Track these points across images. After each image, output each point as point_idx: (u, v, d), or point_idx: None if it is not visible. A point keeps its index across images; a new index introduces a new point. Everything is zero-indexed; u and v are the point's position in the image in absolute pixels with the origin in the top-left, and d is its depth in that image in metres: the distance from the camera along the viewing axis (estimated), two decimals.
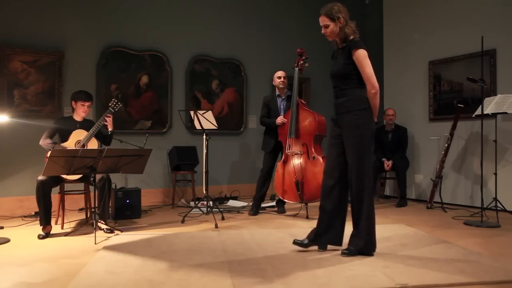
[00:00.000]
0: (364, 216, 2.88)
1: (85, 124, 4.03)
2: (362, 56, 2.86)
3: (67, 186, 4.08)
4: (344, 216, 3.01)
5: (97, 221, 3.64)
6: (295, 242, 2.99)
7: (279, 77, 4.67)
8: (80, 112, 4.01)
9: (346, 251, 2.89)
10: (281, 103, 4.73)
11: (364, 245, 2.89)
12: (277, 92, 4.75)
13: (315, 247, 3.00)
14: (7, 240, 3.45)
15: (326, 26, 2.90)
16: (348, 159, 2.91)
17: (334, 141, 3.01)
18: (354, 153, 2.88)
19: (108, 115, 3.98)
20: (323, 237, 2.98)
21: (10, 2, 4.76)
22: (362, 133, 2.86)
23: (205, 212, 4.60)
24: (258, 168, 5.00)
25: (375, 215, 2.95)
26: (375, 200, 5.57)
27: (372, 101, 2.87)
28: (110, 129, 4.04)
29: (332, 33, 2.91)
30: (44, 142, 3.86)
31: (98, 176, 3.69)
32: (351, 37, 2.90)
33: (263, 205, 5.00)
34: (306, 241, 2.99)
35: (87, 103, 4.00)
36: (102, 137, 4.09)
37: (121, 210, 4.42)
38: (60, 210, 4.03)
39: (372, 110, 2.88)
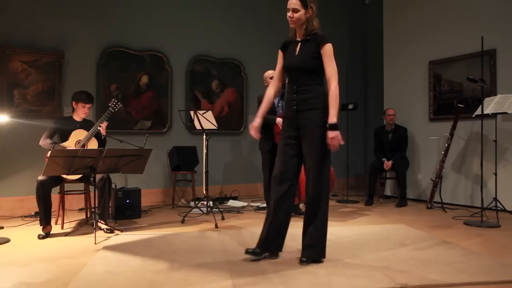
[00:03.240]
0: (320, 224, 2.79)
1: (85, 124, 4.03)
2: (331, 51, 2.71)
3: (67, 186, 4.08)
4: (289, 221, 2.92)
5: (97, 221, 3.64)
6: (248, 252, 2.85)
7: (272, 78, 4.62)
8: (80, 113, 4.00)
9: (304, 260, 2.77)
10: (278, 102, 4.69)
11: (317, 254, 2.80)
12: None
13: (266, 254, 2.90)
14: (7, 240, 3.45)
15: (295, 11, 2.70)
16: (308, 160, 2.76)
17: (289, 141, 2.80)
18: (317, 154, 2.73)
19: (103, 121, 3.94)
20: (273, 243, 2.88)
21: (10, 2, 4.76)
22: (324, 133, 2.67)
23: (205, 212, 4.60)
24: (258, 168, 4.99)
25: (327, 221, 2.84)
26: (375, 200, 5.66)
27: (337, 99, 2.67)
28: (103, 133, 4.01)
29: (298, 19, 2.71)
30: (44, 142, 3.86)
31: (98, 176, 3.69)
32: (316, 31, 2.76)
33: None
34: (258, 250, 2.85)
35: (87, 105, 4.00)
36: (99, 139, 4.07)
37: (121, 210, 4.42)
38: (60, 210, 4.03)
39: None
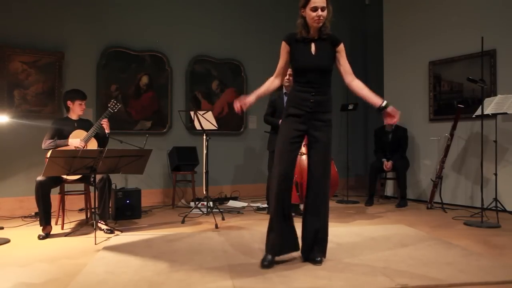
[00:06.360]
0: (327, 221, 2.82)
1: (83, 124, 4.03)
2: (344, 49, 2.80)
3: (67, 187, 4.08)
4: None
5: (97, 222, 3.65)
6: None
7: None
8: (78, 111, 4.01)
9: (319, 260, 2.78)
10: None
11: (324, 251, 2.82)
12: (284, 90, 4.59)
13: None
14: (7, 241, 3.45)
15: (323, 9, 2.63)
16: (319, 159, 2.77)
17: (295, 140, 2.76)
18: (326, 155, 2.77)
19: (104, 118, 3.96)
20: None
21: (10, 2, 4.76)
22: (331, 135, 2.83)
23: (205, 212, 4.60)
24: (259, 168, 4.99)
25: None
26: (375, 200, 5.66)
27: (367, 88, 2.81)
28: (107, 131, 4.01)
29: (324, 18, 2.66)
30: (46, 144, 3.86)
31: (98, 177, 3.69)
32: (327, 31, 2.75)
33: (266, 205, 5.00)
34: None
35: (84, 101, 4.04)
36: (99, 138, 4.07)
37: (121, 210, 4.42)
38: (60, 210, 4.03)
39: None
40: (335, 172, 4.79)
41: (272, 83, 2.86)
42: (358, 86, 2.83)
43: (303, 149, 4.33)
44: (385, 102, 2.77)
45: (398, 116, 2.75)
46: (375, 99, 2.81)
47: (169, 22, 5.73)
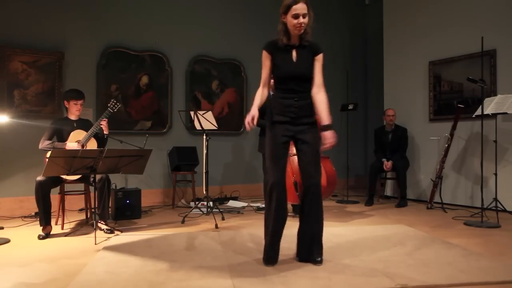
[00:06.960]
0: (321, 226, 2.83)
1: (82, 124, 4.02)
2: (322, 60, 2.77)
3: (67, 187, 4.08)
4: None
5: (97, 222, 3.65)
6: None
7: None
8: (74, 110, 4.01)
9: (320, 260, 2.80)
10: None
11: (320, 253, 2.83)
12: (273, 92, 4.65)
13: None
14: (7, 241, 3.45)
15: (305, 16, 2.60)
16: (307, 161, 2.76)
17: (284, 146, 2.78)
18: (315, 156, 2.77)
19: (103, 119, 3.96)
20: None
21: (10, 2, 4.76)
22: (319, 139, 2.79)
23: (205, 212, 4.60)
24: (258, 168, 4.98)
25: None
26: (375, 201, 5.66)
27: (328, 104, 2.75)
28: (106, 132, 4.01)
29: (305, 25, 2.62)
30: (43, 145, 3.85)
31: (97, 177, 3.69)
32: (309, 38, 2.74)
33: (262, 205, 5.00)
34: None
35: (79, 101, 4.00)
36: (98, 138, 4.06)
37: (121, 210, 4.43)
38: (60, 210, 4.03)
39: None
40: (333, 170, 4.79)
41: (262, 94, 2.83)
42: (320, 100, 2.75)
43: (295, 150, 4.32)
44: (327, 123, 2.71)
45: (332, 141, 2.69)
46: (324, 118, 2.73)
47: (169, 22, 5.73)
